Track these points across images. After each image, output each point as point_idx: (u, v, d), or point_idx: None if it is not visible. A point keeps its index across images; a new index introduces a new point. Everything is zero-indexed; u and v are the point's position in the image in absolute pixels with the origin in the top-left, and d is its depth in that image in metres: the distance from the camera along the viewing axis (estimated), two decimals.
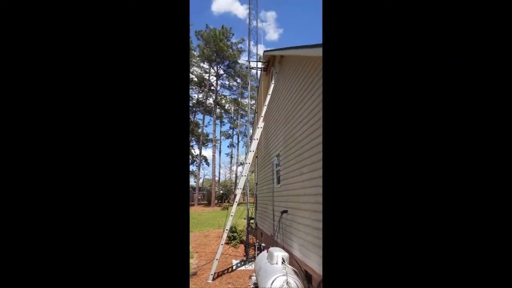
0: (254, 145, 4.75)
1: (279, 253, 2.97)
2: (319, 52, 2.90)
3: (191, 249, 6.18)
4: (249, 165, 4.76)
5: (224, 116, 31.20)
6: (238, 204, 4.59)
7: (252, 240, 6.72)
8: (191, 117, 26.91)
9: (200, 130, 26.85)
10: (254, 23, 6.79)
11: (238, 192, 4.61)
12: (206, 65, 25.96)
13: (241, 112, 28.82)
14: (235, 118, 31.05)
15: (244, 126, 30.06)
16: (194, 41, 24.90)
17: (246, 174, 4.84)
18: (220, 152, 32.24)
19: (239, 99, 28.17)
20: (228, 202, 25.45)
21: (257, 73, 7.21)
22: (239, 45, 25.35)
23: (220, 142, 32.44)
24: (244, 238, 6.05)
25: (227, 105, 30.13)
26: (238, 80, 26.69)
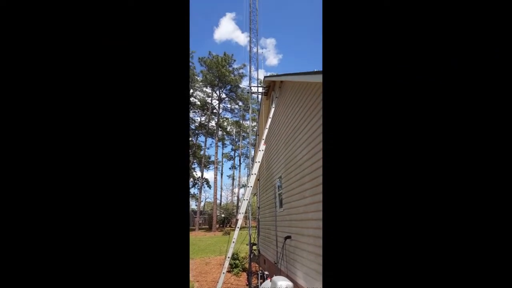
0: (255, 167, 4.75)
1: (282, 283, 2.84)
2: (317, 78, 3.03)
3: (191, 278, 5.90)
4: (251, 188, 4.72)
5: (226, 138, 31.48)
6: (240, 228, 4.47)
7: (255, 268, 6.43)
8: (193, 139, 27.13)
9: (202, 152, 26.93)
10: (255, 50, 7.14)
11: (240, 217, 4.52)
12: (208, 90, 26.77)
13: (243, 134, 29.09)
14: (236, 140, 31.28)
15: (245, 148, 30.17)
16: (197, 67, 25.93)
17: (248, 198, 4.78)
18: (221, 174, 32.04)
19: (241, 121, 28.60)
20: (230, 226, 24.72)
21: (258, 97, 7.43)
22: (241, 70, 26.34)
23: (222, 164, 32.36)
24: (247, 265, 5.80)
25: (228, 127, 30.53)
26: (240, 103, 27.33)
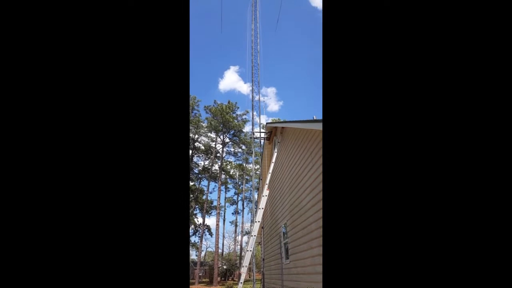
0: (259, 214, 4.59)
1: None
2: (316, 126, 3.16)
3: None
4: (255, 237, 4.49)
5: (229, 181, 31.15)
6: (244, 282, 4.09)
7: None
8: (196, 183, 26.86)
9: (204, 197, 26.35)
10: (257, 98, 7.63)
11: (244, 270, 4.19)
12: (213, 135, 27.64)
13: (246, 177, 28.85)
14: (240, 183, 30.88)
15: (249, 191, 29.55)
16: (202, 115, 27.32)
17: (252, 249, 4.50)
18: (224, 220, 30.71)
19: (244, 164, 28.68)
20: (233, 279, 22.56)
21: (260, 141, 7.64)
22: (244, 116, 27.57)
23: (225, 209, 31.30)
24: None
25: (232, 171, 30.49)
26: (243, 147, 27.84)
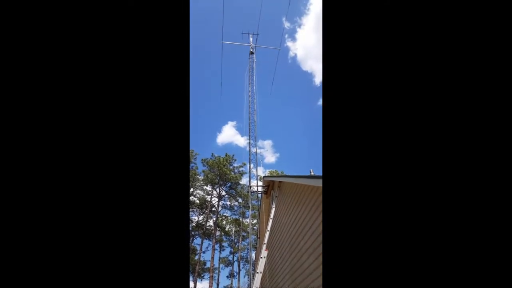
0: (257, 280, 4.17)
1: None
2: (314, 182, 3.19)
3: None
4: None
5: (224, 239, 29.04)
6: None
7: None
8: None
9: (196, 257, 24.08)
10: (254, 150, 7.84)
11: None
12: (209, 188, 27.13)
13: (243, 233, 27.08)
14: (236, 241, 28.76)
15: (245, 250, 27.28)
16: (199, 167, 27.39)
17: None
18: (218, 285, 27.40)
19: (241, 219, 27.29)
20: None
21: (257, 195, 7.50)
22: (241, 169, 27.65)
23: (219, 271, 28.27)
24: None
25: (227, 227, 28.77)
26: (240, 200, 27.02)
